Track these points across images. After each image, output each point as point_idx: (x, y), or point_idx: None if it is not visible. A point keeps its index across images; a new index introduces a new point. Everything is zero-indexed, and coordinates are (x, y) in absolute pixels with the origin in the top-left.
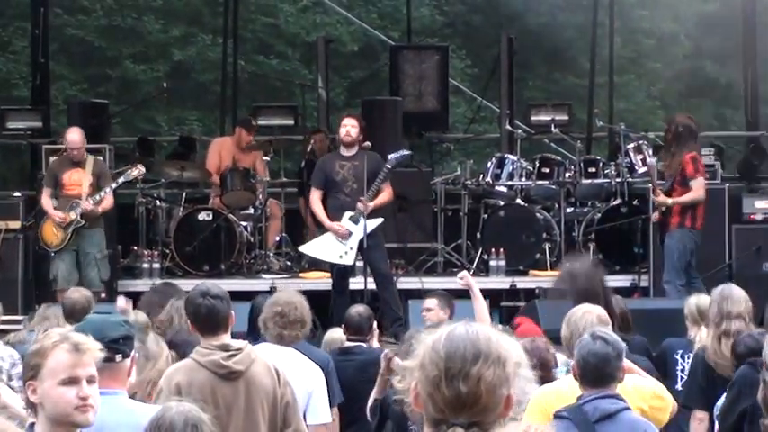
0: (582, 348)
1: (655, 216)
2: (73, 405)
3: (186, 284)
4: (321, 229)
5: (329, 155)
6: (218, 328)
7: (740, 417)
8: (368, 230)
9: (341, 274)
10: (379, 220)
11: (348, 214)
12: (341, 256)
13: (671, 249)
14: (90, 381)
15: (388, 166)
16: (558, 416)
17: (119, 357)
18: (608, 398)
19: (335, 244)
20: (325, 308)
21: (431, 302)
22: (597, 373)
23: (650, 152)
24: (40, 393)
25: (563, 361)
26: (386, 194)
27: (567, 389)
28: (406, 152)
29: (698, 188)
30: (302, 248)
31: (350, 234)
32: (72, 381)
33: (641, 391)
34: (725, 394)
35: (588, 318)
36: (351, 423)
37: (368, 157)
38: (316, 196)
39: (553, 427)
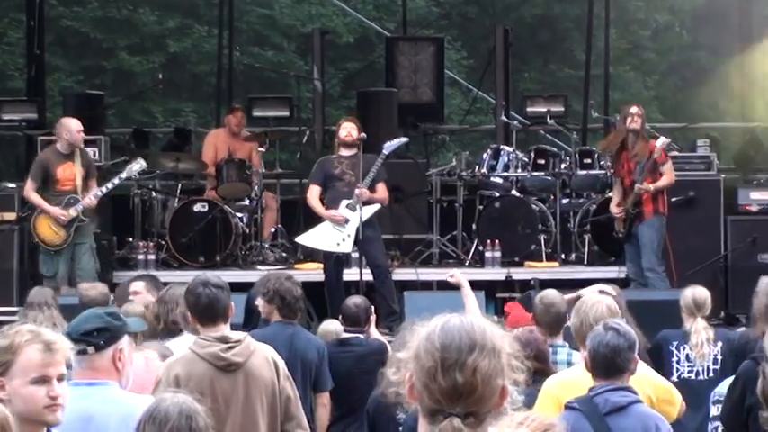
0: (593, 339)
1: (618, 210)
2: (43, 404)
3: (182, 276)
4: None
5: (328, 157)
6: (218, 319)
7: (747, 413)
8: (365, 217)
9: (336, 264)
10: (377, 207)
11: (345, 202)
12: (338, 244)
13: (650, 237)
14: (60, 379)
15: (385, 153)
16: (568, 407)
17: (91, 350)
18: (619, 390)
19: (332, 232)
20: (321, 299)
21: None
22: (608, 363)
23: None
24: (9, 390)
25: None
26: (381, 193)
27: (579, 378)
28: (403, 139)
29: (670, 172)
30: (299, 239)
31: (347, 221)
32: (43, 380)
33: (652, 381)
34: (728, 390)
35: (598, 307)
36: (348, 413)
37: (365, 156)
38: (314, 192)
39: (563, 418)
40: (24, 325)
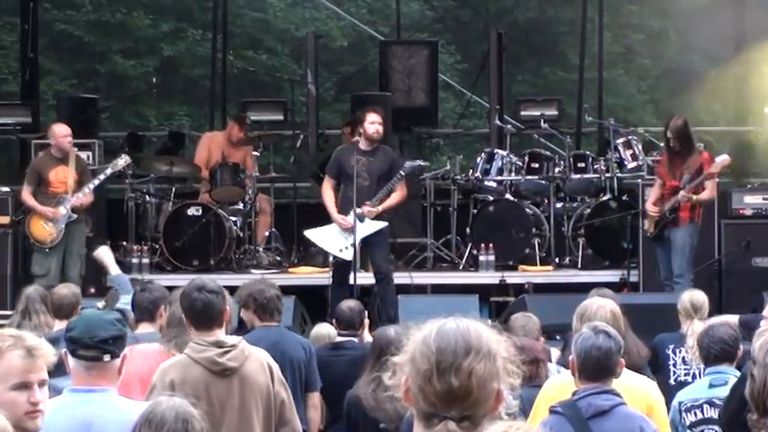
0: (585, 342)
1: (654, 209)
2: (23, 410)
3: (176, 280)
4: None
5: (347, 146)
6: (213, 324)
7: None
8: (371, 231)
9: (341, 266)
10: (383, 224)
11: (356, 211)
12: (341, 250)
13: (683, 243)
14: (41, 385)
15: (402, 173)
16: (552, 411)
17: (107, 357)
18: (603, 393)
19: (339, 237)
20: (315, 303)
21: None
22: (599, 366)
23: (639, 147)
24: None
25: (557, 356)
26: (398, 195)
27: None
28: (422, 163)
29: (713, 188)
30: (307, 232)
31: (354, 230)
32: (24, 386)
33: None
34: (731, 392)
35: (602, 312)
36: (341, 417)
37: (384, 153)
38: (328, 185)
39: (547, 423)
40: (6, 329)
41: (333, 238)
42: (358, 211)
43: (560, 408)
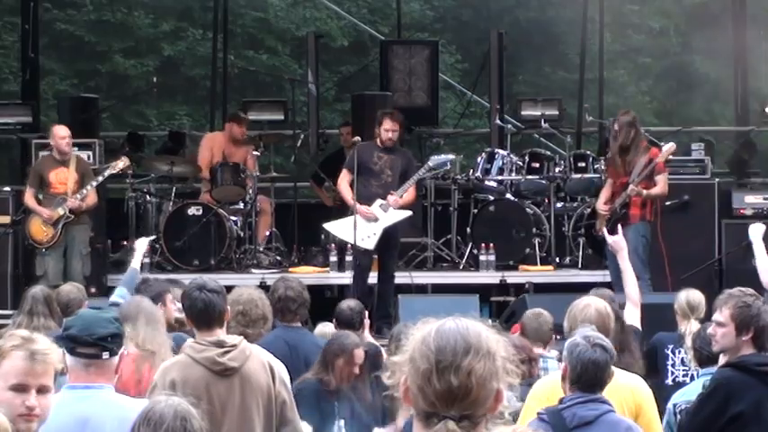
0: (582, 355)
1: (605, 209)
2: (17, 412)
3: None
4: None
5: (368, 143)
6: (214, 323)
7: (729, 422)
8: (396, 220)
9: (361, 269)
10: (408, 213)
11: (380, 202)
12: (362, 239)
13: (635, 244)
14: (41, 391)
15: (430, 164)
16: (538, 417)
17: (105, 355)
18: (589, 402)
19: (361, 227)
20: (315, 302)
21: None
22: (595, 380)
23: None
24: None
25: (555, 354)
26: (412, 193)
27: None
28: (450, 156)
29: (664, 183)
30: (327, 225)
31: (376, 219)
32: (21, 388)
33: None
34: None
35: (588, 311)
36: None
37: (403, 153)
38: (346, 179)
39: (533, 426)
40: (20, 330)
41: (354, 229)
42: (382, 202)
43: (546, 416)
